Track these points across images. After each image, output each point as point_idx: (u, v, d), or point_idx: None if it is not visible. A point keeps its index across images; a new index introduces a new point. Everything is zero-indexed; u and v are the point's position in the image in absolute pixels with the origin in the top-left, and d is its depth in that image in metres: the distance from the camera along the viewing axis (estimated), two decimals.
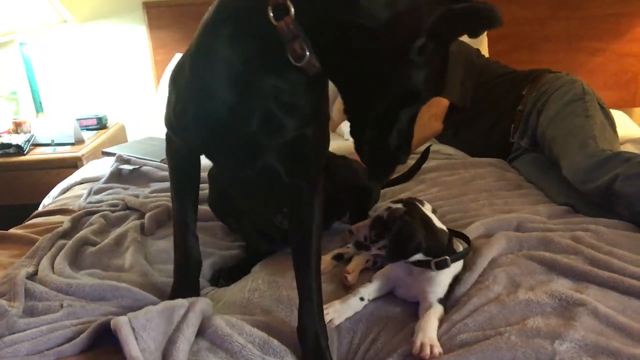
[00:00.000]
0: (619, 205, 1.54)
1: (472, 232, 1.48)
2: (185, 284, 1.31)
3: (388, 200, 1.73)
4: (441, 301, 1.21)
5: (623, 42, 2.58)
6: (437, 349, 1.09)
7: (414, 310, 1.23)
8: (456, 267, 1.27)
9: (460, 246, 1.32)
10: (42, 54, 2.96)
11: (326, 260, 1.43)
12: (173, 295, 1.27)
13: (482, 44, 2.53)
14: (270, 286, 1.36)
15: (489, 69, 2.20)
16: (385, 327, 1.20)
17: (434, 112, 2.07)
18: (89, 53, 2.99)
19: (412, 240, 1.22)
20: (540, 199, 1.77)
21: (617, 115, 2.44)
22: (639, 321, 1.12)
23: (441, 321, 1.17)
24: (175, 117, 1.17)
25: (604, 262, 1.31)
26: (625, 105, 2.65)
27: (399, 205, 1.28)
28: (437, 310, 1.20)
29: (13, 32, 2.64)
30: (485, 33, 2.55)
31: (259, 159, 1.15)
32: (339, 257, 1.47)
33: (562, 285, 1.24)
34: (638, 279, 1.23)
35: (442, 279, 1.24)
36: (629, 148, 2.06)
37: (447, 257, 1.24)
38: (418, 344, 1.09)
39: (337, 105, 2.56)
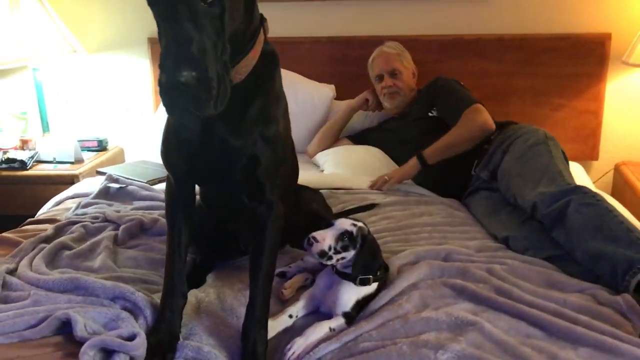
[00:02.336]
0: (559, 228, 1.70)
1: (402, 258, 1.67)
2: (166, 321, 1.37)
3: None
4: (346, 315, 1.38)
5: (583, 100, 2.76)
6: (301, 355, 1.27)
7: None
8: (371, 287, 1.44)
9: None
10: (53, 80, 3.20)
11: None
12: (153, 327, 1.37)
13: None
14: (218, 296, 1.53)
15: None
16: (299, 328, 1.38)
17: (486, 115, 2.28)
18: (95, 81, 3.24)
19: (377, 258, 1.43)
20: (478, 235, 1.93)
21: (574, 167, 2.62)
22: (518, 339, 1.29)
23: (340, 333, 1.33)
24: (163, 149, 1.40)
25: (506, 290, 1.48)
26: (584, 158, 2.83)
27: (362, 225, 1.42)
28: (335, 321, 1.36)
29: (27, 59, 2.90)
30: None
31: (225, 182, 1.36)
32: (281, 275, 1.64)
33: (463, 308, 1.41)
34: (528, 305, 1.40)
35: (351, 294, 1.40)
36: None
37: (371, 276, 1.42)
38: (291, 346, 1.28)
39: (316, 139, 2.78)
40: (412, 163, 2.31)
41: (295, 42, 2.97)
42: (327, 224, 1.43)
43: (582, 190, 1.73)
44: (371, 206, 2.16)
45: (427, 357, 1.22)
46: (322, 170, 2.63)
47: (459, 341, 1.26)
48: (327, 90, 2.87)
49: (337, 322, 1.37)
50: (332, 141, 2.75)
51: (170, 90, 1.03)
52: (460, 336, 1.28)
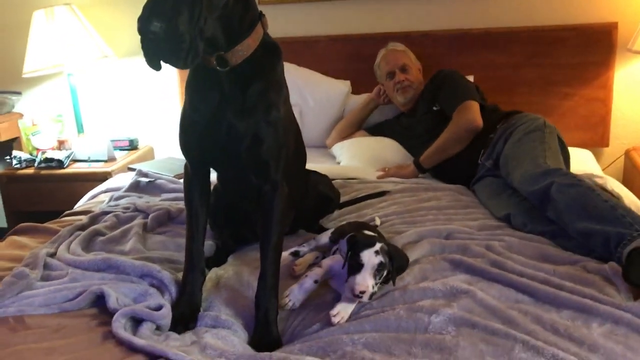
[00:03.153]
0: (549, 209, 1.81)
1: (406, 237, 1.80)
2: (187, 294, 1.53)
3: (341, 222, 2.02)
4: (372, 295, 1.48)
5: (590, 88, 2.82)
6: (343, 320, 1.40)
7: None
8: None
9: None
10: (86, 83, 3.40)
11: (284, 256, 1.72)
12: (177, 301, 1.52)
13: None
14: (236, 272, 1.68)
15: (485, 102, 2.56)
16: (315, 307, 1.51)
17: (472, 115, 2.38)
18: (126, 84, 3.43)
19: (404, 259, 1.55)
20: (480, 216, 2.04)
21: (583, 153, 2.72)
22: (507, 304, 1.41)
23: None
24: (180, 134, 1.57)
25: (500, 263, 1.59)
26: (595, 145, 2.89)
27: (382, 245, 1.44)
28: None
29: (62, 65, 3.10)
30: (472, 76, 2.88)
31: (233, 163, 1.52)
32: (295, 254, 1.77)
33: (459, 279, 1.53)
34: (519, 275, 1.52)
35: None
36: None
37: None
38: (335, 310, 1.40)
39: (335, 129, 2.92)
40: (411, 169, 2.49)
41: (312, 41, 3.11)
42: (357, 265, 1.43)
43: (562, 172, 1.84)
44: (382, 193, 2.28)
45: (422, 319, 1.34)
46: (339, 162, 2.76)
47: (452, 306, 1.38)
48: (342, 86, 3.00)
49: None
50: (351, 132, 2.88)
51: (143, 38, 1.18)
52: (454, 302, 1.40)
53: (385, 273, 1.45)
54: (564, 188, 1.77)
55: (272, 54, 1.50)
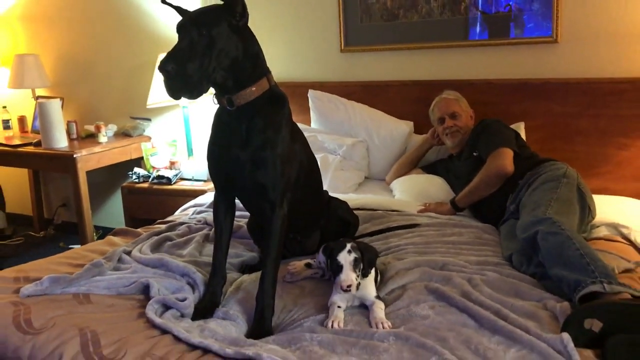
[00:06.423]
0: (538, 254, 1.99)
1: (402, 264, 2.06)
2: (209, 293, 1.91)
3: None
4: (377, 297, 1.80)
5: None
6: (387, 324, 1.67)
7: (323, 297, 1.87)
8: (372, 274, 1.85)
9: None
10: (198, 114, 3.98)
11: (300, 265, 2.09)
12: (201, 297, 1.92)
13: (520, 132, 2.99)
14: (256, 279, 1.98)
15: (522, 150, 2.72)
16: (306, 304, 1.87)
17: (502, 161, 2.56)
18: None
19: (372, 251, 1.86)
20: (489, 254, 2.22)
21: (633, 203, 2.76)
22: (450, 327, 1.65)
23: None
24: (207, 162, 2.01)
25: (468, 293, 1.82)
26: None
27: (352, 243, 1.79)
28: (379, 303, 1.76)
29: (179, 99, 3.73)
30: (523, 124, 3.05)
31: (241, 187, 1.92)
32: (308, 265, 2.10)
33: (425, 304, 1.78)
34: (479, 305, 1.73)
35: (367, 284, 1.81)
36: (602, 230, 2.42)
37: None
38: (373, 322, 1.70)
39: (393, 168, 3.23)
40: (448, 207, 2.72)
41: (384, 85, 3.45)
42: (337, 267, 1.76)
43: (550, 221, 2.00)
44: (412, 226, 2.55)
45: (370, 332, 1.64)
46: (394, 196, 3.06)
47: (399, 326, 1.67)
48: (405, 127, 3.28)
49: (380, 303, 1.78)
50: (407, 170, 3.16)
51: (162, 74, 1.65)
52: (405, 324, 1.69)
53: (362, 266, 1.76)
54: (546, 235, 1.95)
55: (276, 102, 1.89)
